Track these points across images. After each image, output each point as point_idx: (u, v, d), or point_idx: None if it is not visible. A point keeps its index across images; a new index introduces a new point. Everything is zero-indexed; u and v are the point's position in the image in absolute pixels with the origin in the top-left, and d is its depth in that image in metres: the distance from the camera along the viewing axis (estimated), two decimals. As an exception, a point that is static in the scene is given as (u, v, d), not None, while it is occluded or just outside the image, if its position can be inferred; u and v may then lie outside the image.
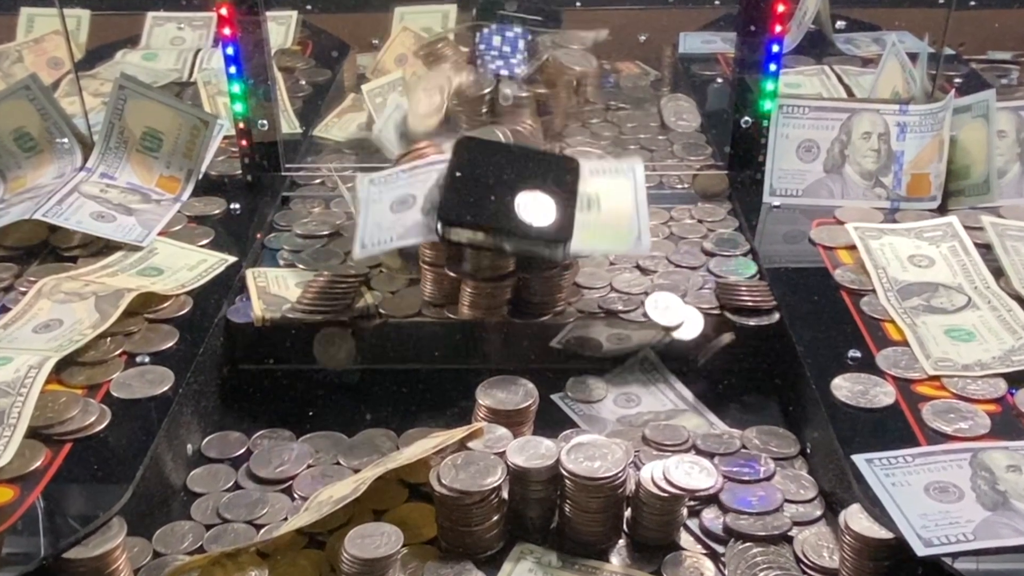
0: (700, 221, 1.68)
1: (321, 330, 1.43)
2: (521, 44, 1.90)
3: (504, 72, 1.86)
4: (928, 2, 2.01)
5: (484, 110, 1.87)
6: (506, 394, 1.28)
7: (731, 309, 1.44)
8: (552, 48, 1.86)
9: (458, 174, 1.34)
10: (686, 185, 1.80)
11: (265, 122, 1.75)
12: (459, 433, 1.20)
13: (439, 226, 1.31)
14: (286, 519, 1.19)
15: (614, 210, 1.38)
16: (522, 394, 1.29)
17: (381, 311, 1.43)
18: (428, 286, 1.43)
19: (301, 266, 1.54)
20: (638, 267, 1.54)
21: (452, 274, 1.40)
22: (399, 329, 1.43)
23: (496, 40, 1.87)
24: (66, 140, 1.70)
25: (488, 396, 1.28)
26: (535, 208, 1.32)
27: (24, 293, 1.42)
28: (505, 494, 1.16)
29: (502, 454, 1.16)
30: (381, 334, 1.44)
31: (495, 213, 1.32)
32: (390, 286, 1.48)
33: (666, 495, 1.14)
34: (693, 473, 1.17)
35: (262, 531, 1.17)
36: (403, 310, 1.43)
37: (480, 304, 1.41)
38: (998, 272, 1.45)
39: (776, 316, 1.42)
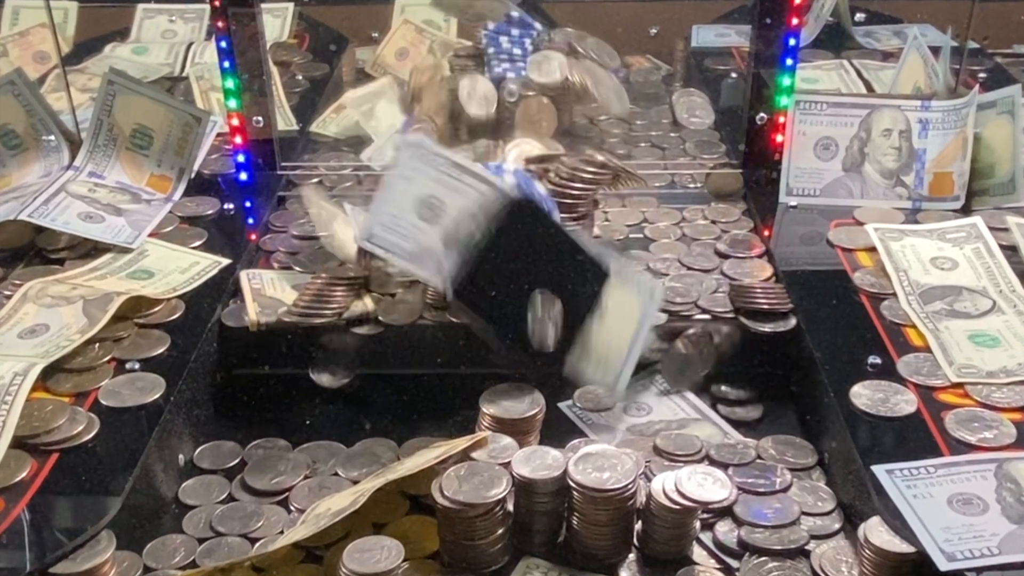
0: (713, 222, 1.68)
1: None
2: (528, 44, 1.90)
3: (511, 74, 1.86)
4: (951, -6, 2.02)
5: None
6: (511, 402, 1.28)
7: (746, 313, 1.44)
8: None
9: (495, 245, 1.29)
10: (699, 184, 1.80)
11: (260, 119, 1.75)
12: (462, 443, 1.20)
13: (450, 291, 1.29)
14: (282, 532, 1.19)
15: (610, 334, 1.35)
16: (528, 402, 1.29)
17: (380, 317, 1.43)
18: (430, 288, 1.43)
19: (297, 268, 1.54)
20: (648, 269, 1.54)
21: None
22: (399, 332, 1.43)
23: (503, 41, 1.88)
24: (53, 137, 1.70)
25: (493, 404, 1.28)
26: (548, 318, 1.31)
27: (9, 297, 1.42)
28: (510, 506, 1.16)
29: (507, 464, 1.17)
30: (380, 338, 1.44)
31: (508, 315, 1.30)
32: (390, 288, 1.48)
33: (678, 507, 1.14)
34: (706, 484, 1.17)
35: (257, 545, 1.17)
36: (403, 315, 1.43)
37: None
38: (1024, 275, 1.46)
39: (793, 321, 1.42)
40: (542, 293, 1.30)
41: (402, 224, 1.34)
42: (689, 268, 1.56)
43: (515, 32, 1.91)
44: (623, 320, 1.36)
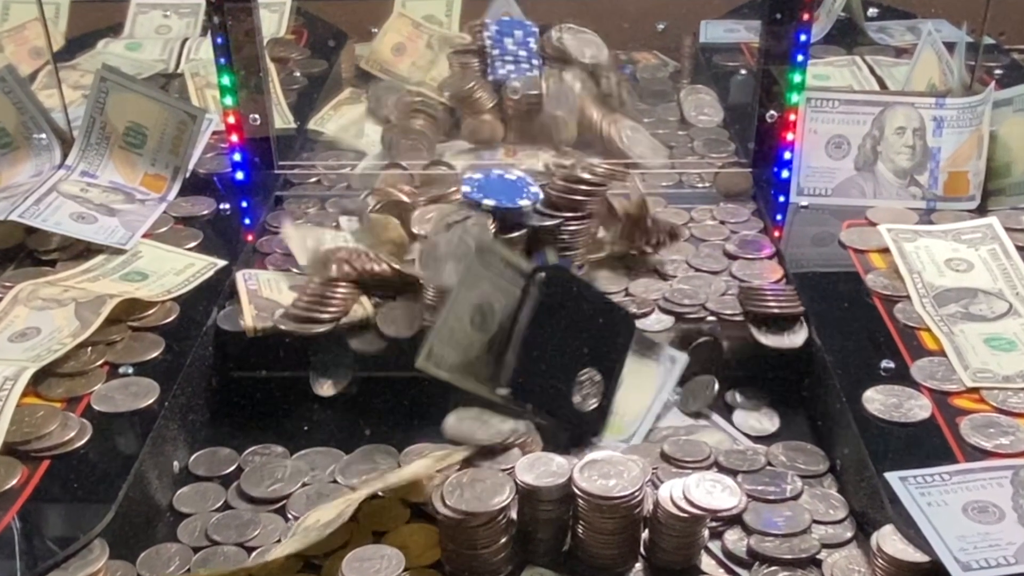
0: (722, 222, 1.68)
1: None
2: (532, 44, 1.91)
3: (515, 75, 1.87)
4: (967, -12, 2.02)
5: (490, 105, 1.89)
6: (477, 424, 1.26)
7: (755, 316, 1.43)
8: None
9: (536, 327, 1.27)
10: (707, 184, 1.80)
11: (257, 116, 1.75)
12: (461, 452, 1.20)
13: (504, 389, 1.26)
14: (279, 541, 1.19)
15: (628, 398, 1.36)
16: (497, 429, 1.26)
17: (380, 328, 1.43)
18: (430, 289, 1.43)
19: (295, 270, 1.54)
20: (656, 271, 1.54)
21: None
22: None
23: (507, 43, 1.88)
24: (44, 136, 1.70)
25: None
26: (588, 389, 1.30)
27: (-1, 299, 1.43)
28: (514, 514, 1.16)
29: (510, 471, 1.17)
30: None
31: (559, 394, 1.29)
32: (387, 292, 1.48)
33: (686, 515, 1.14)
34: (715, 492, 1.17)
35: (254, 554, 1.18)
36: (403, 320, 1.43)
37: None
38: (1041, 277, 1.46)
39: (804, 328, 1.42)
40: (585, 366, 1.30)
41: (458, 338, 1.27)
42: (697, 270, 1.56)
43: (519, 33, 1.91)
44: (639, 386, 1.38)
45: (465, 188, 1.45)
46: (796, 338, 1.41)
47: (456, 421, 1.26)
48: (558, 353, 1.27)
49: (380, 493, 1.19)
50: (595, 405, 1.30)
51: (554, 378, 1.28)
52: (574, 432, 1.30)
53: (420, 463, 1.20)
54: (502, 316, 1.27)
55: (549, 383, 1.28)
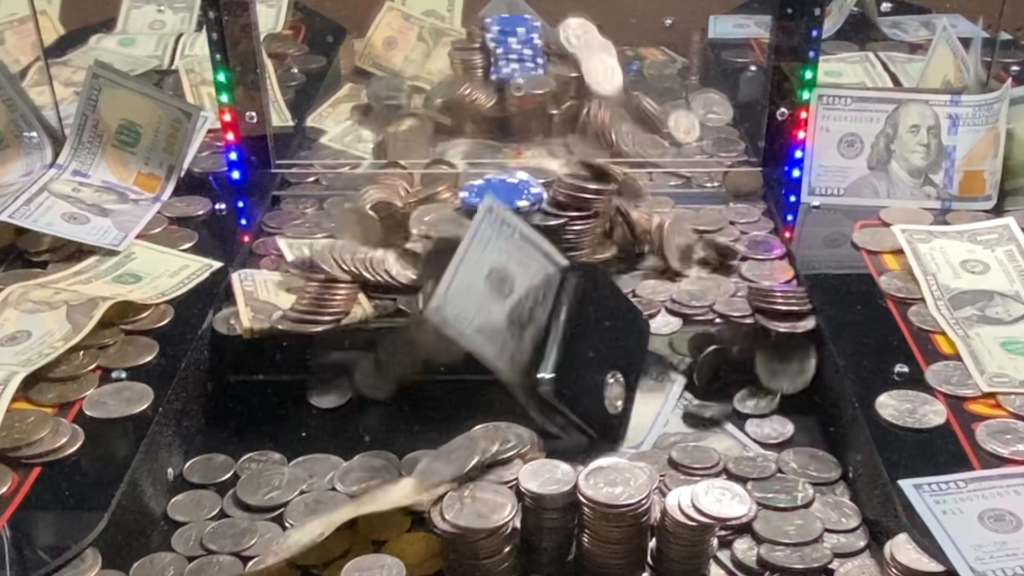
0: (732, 223, 1.68)
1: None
2: (536, 40, 1.91)
3: (519, 73, 1.87)
4: (983, -18, 2.02)
5: (491, 103, 1.89)
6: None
7: (764, 314, 1.43)
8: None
9: (574, 328, 1.28)
10: (716, 183, 1.80)
11: (253, 114, 1.75)
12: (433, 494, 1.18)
13: (548, 384, 1.25)
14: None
15: (638, 403, 1.37)
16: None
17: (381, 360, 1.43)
18: (431, 289, 1.42)
19: (293, 271, 1.54)
20: (664, 273, 1.54)
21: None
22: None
23: (512, 42, 1.88)
24: (35, 134, 1.70)
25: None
26: (613, 392, 1.31)
27: (-11, 302, 1.43)
28: (517, 523, 1.16)
29: (513, 484, 1.16)
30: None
31: (592, 400, 1.29)
32: (389, 292, 1.48)
33: (694, 524, 1.14)
34: (724, 500, 1.17)
35: (249, 564, 1.17)
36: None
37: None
38: (1059, 279, 1.46)
39: (812, 321, 1.42)
40: (611, 372, 1.31)
41: (471, 297, 1.26)
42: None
43: (522, 30, 1.91)
44: (648, 402, 1.39)
45: (463, 194, 1.45)
46: (806, 323, 1.42)
47: (425, 465, 1.22)
48: (593, 354, 1.28)
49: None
50: (619, 410, 1.31)
51: (590, 379, 1.29)
52: (598, 437, 1.31)
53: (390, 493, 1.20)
54: (527, 293, 1.28)
55: (587, 383, 1.28)
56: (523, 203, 1.43)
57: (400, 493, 1.18)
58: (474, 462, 1.17)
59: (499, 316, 1.26)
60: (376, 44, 2.20)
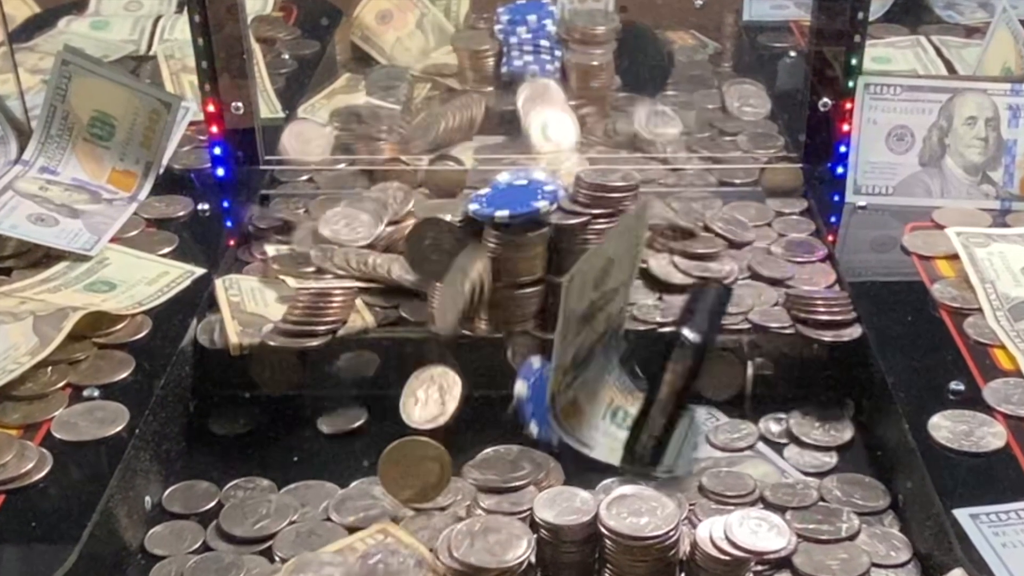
0: (769, 224, 1.68)
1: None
2: (550, 27, 1.91)
3: (534, 67, 1.87)
4: (1048, -42, 2.01)
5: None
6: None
7: (803, 324, 1.43)
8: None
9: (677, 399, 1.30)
10: (752, 180, 1.80)
11: (240, 104, 1.75)
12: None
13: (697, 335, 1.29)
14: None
15: None
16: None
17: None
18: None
19: (283, 278, 1.54)
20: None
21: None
22: (402, 352, 1.44)
23: (522, 32, 1.89)
24: (-2, 127, 1.71)
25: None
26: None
27: (-52, 312, 1.43)
28: (533, 556, 1.16)
29: (528, 513, 1.17)
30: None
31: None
32: (390, 300, 1.48)
33: (728, 558, 1.15)
34: (760, 531, 1.17)
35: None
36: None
37: (501, 318, 1.41)
38: None
39: (857, 330, 1.42)
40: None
41: (587, 280, 1.29)
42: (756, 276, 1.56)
43: (533, 18, 1.91)
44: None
45: (473, 206, 1.44)
46: (851, 332, 1.43)
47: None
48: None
49: None
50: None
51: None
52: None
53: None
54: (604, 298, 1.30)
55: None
56: (542, 204, 1.43)
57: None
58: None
59: (590, 308, 1.28)
60: (368, 15, 2.20)
